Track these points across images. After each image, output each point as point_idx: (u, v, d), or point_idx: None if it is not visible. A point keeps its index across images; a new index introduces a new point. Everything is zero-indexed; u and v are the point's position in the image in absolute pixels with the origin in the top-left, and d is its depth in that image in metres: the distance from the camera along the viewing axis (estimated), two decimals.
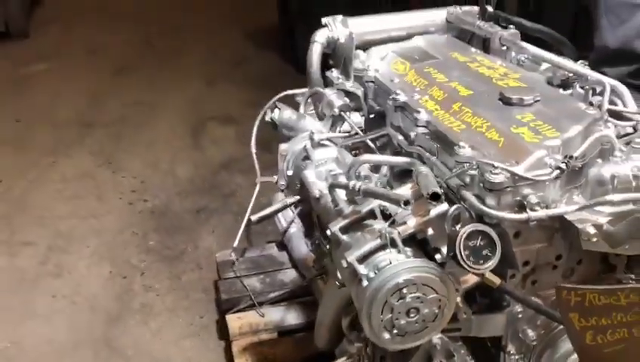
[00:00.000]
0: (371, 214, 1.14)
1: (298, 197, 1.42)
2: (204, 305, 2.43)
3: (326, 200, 1.30)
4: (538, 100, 1.17)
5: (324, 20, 1.61)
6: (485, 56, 1.47)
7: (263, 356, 1.96)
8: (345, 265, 1.06)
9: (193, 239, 2.84)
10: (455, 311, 1.10)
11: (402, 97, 1.30)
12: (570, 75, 1.32)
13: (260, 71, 4.77)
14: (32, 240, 2.84)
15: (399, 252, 1.04)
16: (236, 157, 3.54)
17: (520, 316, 1.14)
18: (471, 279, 1.10)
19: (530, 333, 1.15)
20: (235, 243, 2.28)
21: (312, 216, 1.54)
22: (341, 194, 1.26)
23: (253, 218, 1.62)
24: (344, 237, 1.13)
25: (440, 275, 1.02)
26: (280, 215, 2.44)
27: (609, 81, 1.24)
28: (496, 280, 1.02)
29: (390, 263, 1.02)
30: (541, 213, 0.99)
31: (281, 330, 2.07)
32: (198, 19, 6.02)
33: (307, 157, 1.37)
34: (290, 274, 2.25)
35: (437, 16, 1.66)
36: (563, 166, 0.98)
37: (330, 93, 1.49)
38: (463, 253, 0.95)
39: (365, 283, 1.04)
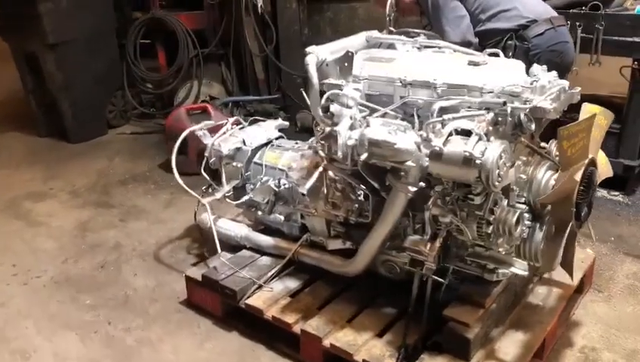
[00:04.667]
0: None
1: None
2: (191, 319, 2.68)
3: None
4: (487, 62, 2.27)
5: (308, 49, 2.37)
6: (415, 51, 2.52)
7: (298, 309, 2.52)
8: (463, 154, 1.93)
9: (125, 285, 2.96)
10: None
11: (410, 77, 2.24)
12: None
13: (24, 151, 4.70)
14: None
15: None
16: (83, 219, 3.66)
17: None
18: None
19: None
20: (219, 249, 2.76)
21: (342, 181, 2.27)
22: None
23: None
24: (445, 148, 2.00)
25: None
26: (230, 227, 2.94)
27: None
28: None
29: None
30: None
31: (291, 293, 2.65)
32: None
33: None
34: (265, 260, 2.79)
35: (360, 38, 2.60)
36: (531, 82, 2.10)
37: (348, 91, 2.28)
38: None
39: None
